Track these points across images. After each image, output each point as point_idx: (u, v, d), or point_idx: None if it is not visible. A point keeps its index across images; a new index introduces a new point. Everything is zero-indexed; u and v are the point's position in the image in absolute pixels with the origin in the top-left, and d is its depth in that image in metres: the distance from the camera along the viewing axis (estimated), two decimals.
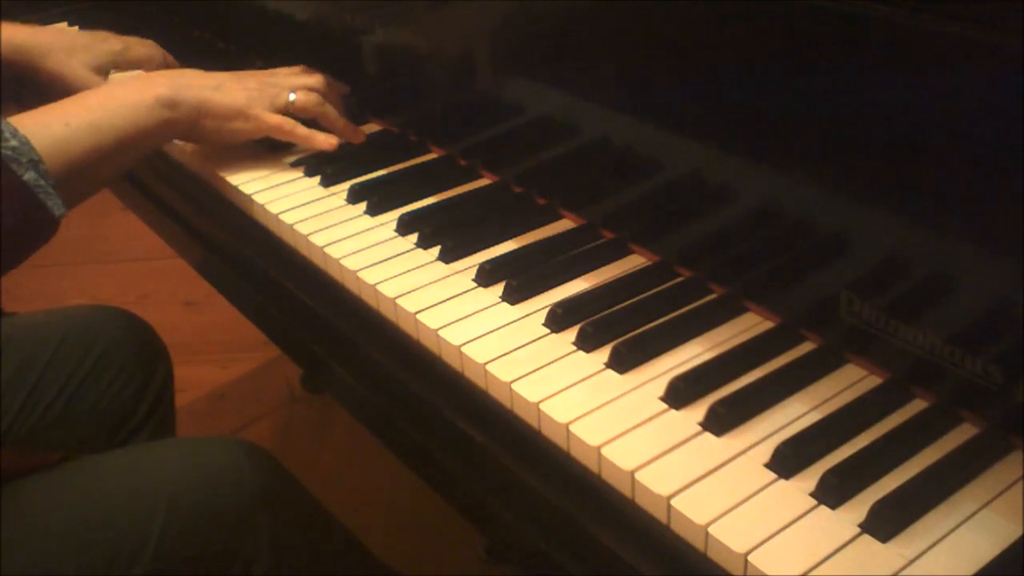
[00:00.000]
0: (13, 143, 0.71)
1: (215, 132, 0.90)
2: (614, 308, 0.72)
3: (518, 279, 0.74)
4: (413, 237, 0.82)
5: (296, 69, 0.99)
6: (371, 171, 0.93)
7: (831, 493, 0.55)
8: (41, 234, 0.73)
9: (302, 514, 0.93)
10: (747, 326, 0.70)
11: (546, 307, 0.72)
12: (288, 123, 0.92)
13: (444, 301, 0.73)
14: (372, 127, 1.04)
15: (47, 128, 0.73)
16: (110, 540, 0.79)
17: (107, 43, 1.09)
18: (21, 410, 1.00)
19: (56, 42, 1.05)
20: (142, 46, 1.12)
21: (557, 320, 0.70)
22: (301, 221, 0.85)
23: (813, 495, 0.56)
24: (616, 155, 0.78)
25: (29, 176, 0.70)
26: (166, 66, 1.14)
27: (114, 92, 0.82)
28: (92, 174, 0.77)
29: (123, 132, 0.79)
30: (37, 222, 0.72)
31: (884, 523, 0.53)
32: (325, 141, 0.93)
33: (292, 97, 0.93)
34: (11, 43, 1.03)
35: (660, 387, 0.64)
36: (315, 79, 0.96)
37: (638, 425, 0.61)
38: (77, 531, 0.79)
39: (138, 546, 0.79)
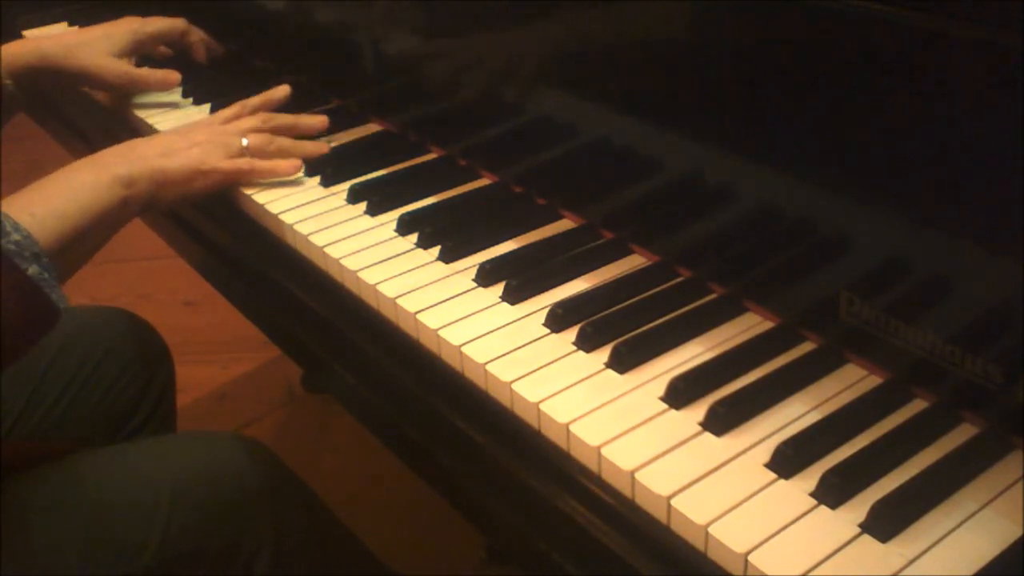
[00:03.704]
0: (16, 237, 0.71)
1: (176, 198, 0.89)
2: (614, 308, 0.72)
3: (518, 279, 0.74)
4: (413, 237, 0.82)
5: (234, 109, 0.99)
6: (371, 171, 0.93)
7: (831, 493, 0.55)
8: (43, 327, 0.73)
9: (304, 511, 0.93)
10: (747, 326, 0.70)
11: (546, 307, 0.72)
12: (246, 163, 0.91)
13: (444, 301, 0.73)
14: (372, 127, 1.04)
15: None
16: (114, 533, 0.80)
17: (125, 24, 1.11)
18: (23, 411, 1.00)
19: (76, 40, 1.08)
20: (161, 20, 1.14)
21: (557, 320, 0.70)
22: (301, 221, 0.85)
23: (813, 495, 0.56)
24: (616, 155, 0.78)
25: (32, 270, 0.70)
26: (187, 35, 1.16)
27: (72, 178, 0.81)
28: (60, 262, 0.76)
29: (87, 216, 0.79)
30: (40, 315, 0.72)
31: (884, 523, 0.53)
32: (290, 166, 0.92)
33: (245, 142, 0.92)
34: (36, 50, 1.06)
35: (660, 387, 0.64)
36: (258, 118, 0.96)
37: (638, 425, 0.61)
38: (81, 524, 0.79)
39: (142, 539, 0.79)
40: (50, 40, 1.10)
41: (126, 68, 1.07)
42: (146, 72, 1.09)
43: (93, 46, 1.07)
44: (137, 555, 0.79)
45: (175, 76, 1.08)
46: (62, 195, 0.79)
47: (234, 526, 0.85)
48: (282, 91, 1.02)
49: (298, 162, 0.93)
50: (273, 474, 0.90)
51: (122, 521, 0.80)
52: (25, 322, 0.71)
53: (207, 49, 1.19)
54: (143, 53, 1.14)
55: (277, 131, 0.96)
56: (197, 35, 1.18)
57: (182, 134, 0.93)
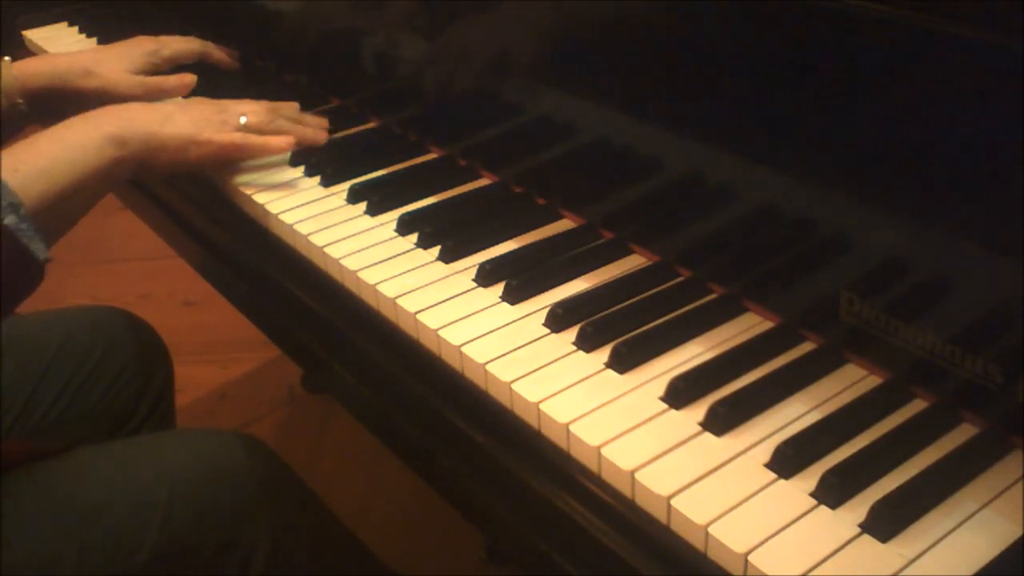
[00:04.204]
0: None
1: (168, 165, 0.88)
2: (614, 308, 0.72)
3: (518, 279, 0.74)
4: (413, 237, 0.82)
5: (239, 101, 0.98)
6: (371, 171, 0.93)
7: (831, 493, 0.55)
8: (27, 281, 0.72)
9: (302, 510, 0.94)
10: (747, 326, 0.70)
11: (546, 307, 0.72)
12: (240, 136, 0.91)
13: (444, 301, 0.73)
14: (372, 127, 1.04)
15: None
16: (112, 527, 0.80)
17: (140, 46, 1.11)
18: (23, 411, 1.00)
19: (92, 59, 1.08)
20: (177, 42, 1.13)
21: (557, 320, 0.70)
22: (301, 221, 0.85)
23: (813, 495, 0.56)
24: (616, 155, 0.78)
25: (9, 220, 0.69)
26: (208, 57, 1.16)
27: (63, 135, 0.81)
28: (47, 221, 0.75)
29: (74, 175, 0.78)
30: (22, 268, 0.71)
31: (884, 523, 0.53)
32: (282, 141, 0.92)
33: (243, 120, 0.92)
34: (52, 70, 1.05)
35: (660, 387, 0.64)
36: (262, 104, 0.96)
37: (638, 425, 0.61)
38: (79, 519, 0.79)
39: (140, 534, 0.80)
40: (64, 59, 1.09)
41: (141, 79, 1.07)
42: (161, 79, 1.08)
43: (109, 65, 1.06)
44: (134, 551, 0.79)
45: (191, 78, 1.08)
46: (51, 153, 0.78)
47: (231, 524, 0.85)
48: (290, 107, 1.02)
49: (290, 138, 0.93)
50: (272, 472, 0.91)
51: (119, 517, 0.81)
52: (9, 274, 0.70)
53: (228, 55, 1.19)
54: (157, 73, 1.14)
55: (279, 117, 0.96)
56: (217, 53, 1.17)
57: (181, 106, 0.93)
